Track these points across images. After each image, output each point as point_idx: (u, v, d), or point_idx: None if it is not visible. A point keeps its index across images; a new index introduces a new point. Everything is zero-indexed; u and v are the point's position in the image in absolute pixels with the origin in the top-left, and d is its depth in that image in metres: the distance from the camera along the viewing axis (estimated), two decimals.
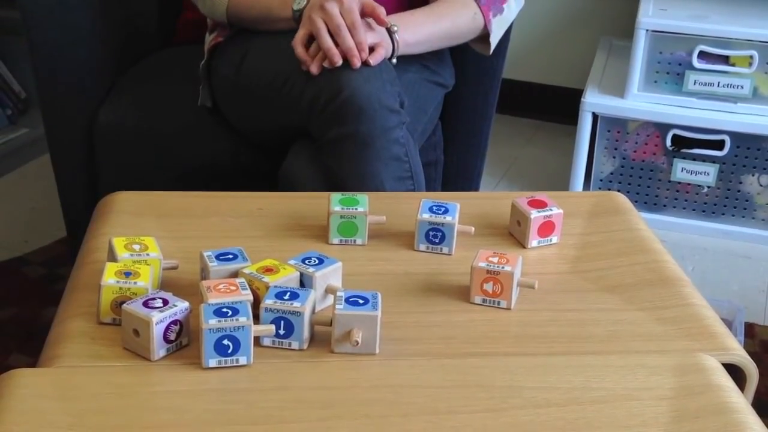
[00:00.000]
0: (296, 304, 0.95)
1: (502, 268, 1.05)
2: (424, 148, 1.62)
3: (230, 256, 1.05)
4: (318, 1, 1.33)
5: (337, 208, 1.17)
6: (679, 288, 1.11)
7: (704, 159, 2.23)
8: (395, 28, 1.41)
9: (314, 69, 1.31)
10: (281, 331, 0.95)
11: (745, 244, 2.25)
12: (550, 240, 1.20)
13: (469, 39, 1.55)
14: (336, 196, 1.20)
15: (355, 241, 1.18)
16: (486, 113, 1.82)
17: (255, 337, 0.93)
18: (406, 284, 1.10)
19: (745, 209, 2.26)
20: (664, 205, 2.32)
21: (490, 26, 1.50)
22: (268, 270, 1.02)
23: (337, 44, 1.30)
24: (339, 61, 1.30)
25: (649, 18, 2.18)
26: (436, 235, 1.17)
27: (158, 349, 0.93)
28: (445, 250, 1.17)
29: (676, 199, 2.30)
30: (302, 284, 1.03)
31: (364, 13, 1.34)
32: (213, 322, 0.91)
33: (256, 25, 1.48)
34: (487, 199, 1.35)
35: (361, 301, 0.96)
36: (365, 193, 1.23)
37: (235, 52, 1.50)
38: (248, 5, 1.46)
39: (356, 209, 1.17)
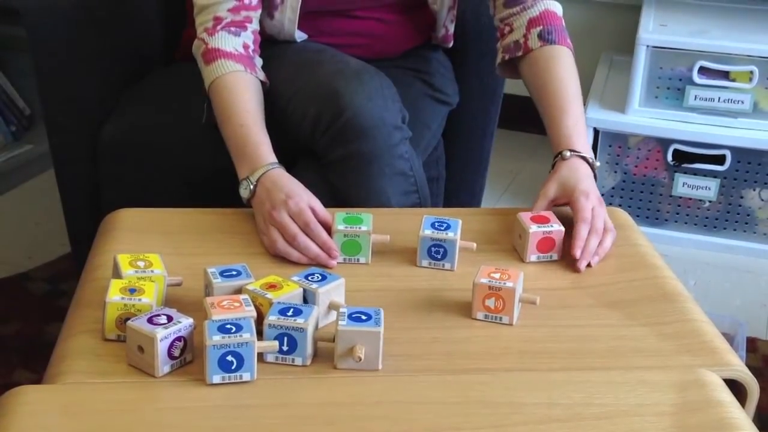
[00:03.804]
0: (299, 320, 0.96)
1: (504, 284, 1.05)
2: (426, 163, 1.62)
3: (234, 273, 1.06)
4: (267, 209, 1.22)
5: (341, 227, 1.18)
6: (679, 303, 1.12)
7: (705, 174, 2.23)
8: (597, 164, 1.32)
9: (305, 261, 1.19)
10: (285, 348, 0.96)
11: (747, 258, 2.25)
12: (550, 257, 1.21)
13: None
14: (340, 215, 1.20)
15: (358, 259, 1.19)
16: (488, 129, 1.83)
17: (258, 354, 0.94)
18: (408, 300, 1.11)
19: (746, 224, 2.26)
20: (666, 220, 2.32)
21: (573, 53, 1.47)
22: (272, 286, 1.03)
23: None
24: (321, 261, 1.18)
25: (649, 34, 2.19)
26: (439, 251, 1.18)
27: (162, 366, 0.94)
28: (448, 265, 1.18)
29: (677, 213, 2.30)
30: (305, 300, 1.03)
31: (318, 218, 1.21)
32: (217, 338, 0.91)
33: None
34: (489, 214, 1.35)
35: (363, 318, 0.97)
36: (370, 210, 1.24)
37: None
38: (220, 118, 1.37)
39: (359, 228, 1.18)
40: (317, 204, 1.22)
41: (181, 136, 1.59)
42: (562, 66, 1.40)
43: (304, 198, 1.22)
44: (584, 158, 1.31)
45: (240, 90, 1.36)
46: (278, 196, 1.22)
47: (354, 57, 1.47)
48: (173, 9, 1.84)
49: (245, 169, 1.28)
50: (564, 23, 1.45)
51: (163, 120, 1.62)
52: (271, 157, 1.29)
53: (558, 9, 1.44)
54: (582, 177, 1.28)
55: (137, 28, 1.80)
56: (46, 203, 2.30)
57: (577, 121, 1.35)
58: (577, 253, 1.19)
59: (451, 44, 1.69)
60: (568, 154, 1.30)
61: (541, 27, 1.41)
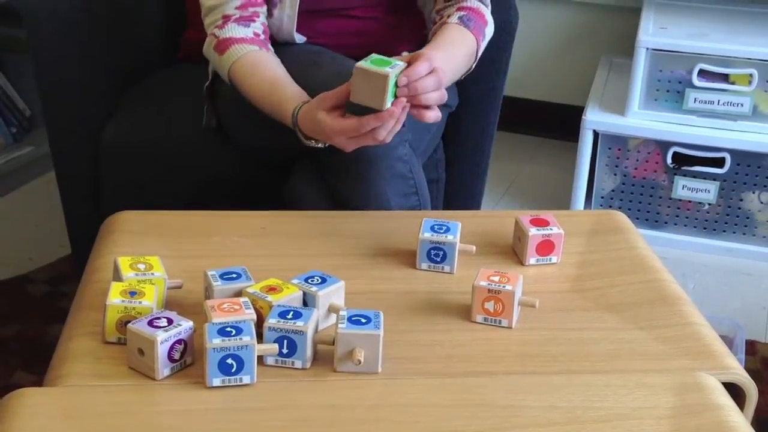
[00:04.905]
0: (299, 323, 0.96)
1: (504, 287, 1.05)
2: (426, 166, 1.63)
3: (234, 276, 1.06)
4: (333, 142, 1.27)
5: (392, 71, 1.17)
6: (678, 307, 1.12)
7: (705, 176, 2.24)
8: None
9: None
10: (284, 350, 0.96)
11: (746, 261, 2.25)
12: (549, 260, 1.21)
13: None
14: (368, 62, 1.20)
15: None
16: (487, 131, 1.83)
17: (258, 356, 0.94)
18: (408, 303, 1.11)
19: (745, 226, 2.27)
20: (665, 223, 2.32)
21: (479, 53, 1.49)
22: (272, 289, 1.03)
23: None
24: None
25: (649, 36, 2.19)
26: (438, 254, 1.18)
27: (163, 369, 0.94)
28: (447, 268, 1.18)
29: (677, 216, 2.31)
30: (305, 303, 1.03)
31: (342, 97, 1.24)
32: (217, 341, 0.91)
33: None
34: (488, 217, 1.36)
35: (363, 320, 0.97)
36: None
37: None
38: (251, 100, 1.42)
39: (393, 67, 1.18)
40: (331, 96, 1.23)
41: (182, 138, 1.59)
42: (462, 43, 1.42)
43: (329, 127, 1.22)
44: None
45: (259, 67, 1.40)
46: (322, 138, 1.27)
47: (353, 58, 1.47)
48: (174, 10, 1.85)
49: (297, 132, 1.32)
50: (489, 27, 1.48)
51: (163, 122, 1.63)
52: (290, 107, 1.31)
53: (488, 14, 1.48)
54: None
55: (138, 30, 1.81)
56: (47, 205, 2.31)
57: (447, 64, 1.33)
58: (404, 80, 1.18)
59: None
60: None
61: (465, 13, 1.44)
